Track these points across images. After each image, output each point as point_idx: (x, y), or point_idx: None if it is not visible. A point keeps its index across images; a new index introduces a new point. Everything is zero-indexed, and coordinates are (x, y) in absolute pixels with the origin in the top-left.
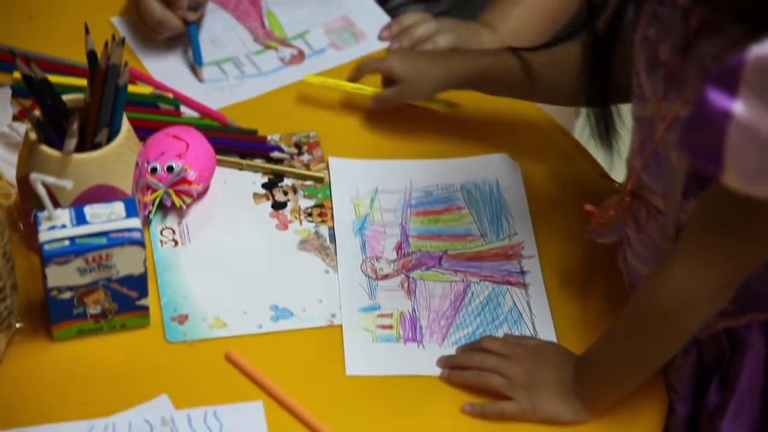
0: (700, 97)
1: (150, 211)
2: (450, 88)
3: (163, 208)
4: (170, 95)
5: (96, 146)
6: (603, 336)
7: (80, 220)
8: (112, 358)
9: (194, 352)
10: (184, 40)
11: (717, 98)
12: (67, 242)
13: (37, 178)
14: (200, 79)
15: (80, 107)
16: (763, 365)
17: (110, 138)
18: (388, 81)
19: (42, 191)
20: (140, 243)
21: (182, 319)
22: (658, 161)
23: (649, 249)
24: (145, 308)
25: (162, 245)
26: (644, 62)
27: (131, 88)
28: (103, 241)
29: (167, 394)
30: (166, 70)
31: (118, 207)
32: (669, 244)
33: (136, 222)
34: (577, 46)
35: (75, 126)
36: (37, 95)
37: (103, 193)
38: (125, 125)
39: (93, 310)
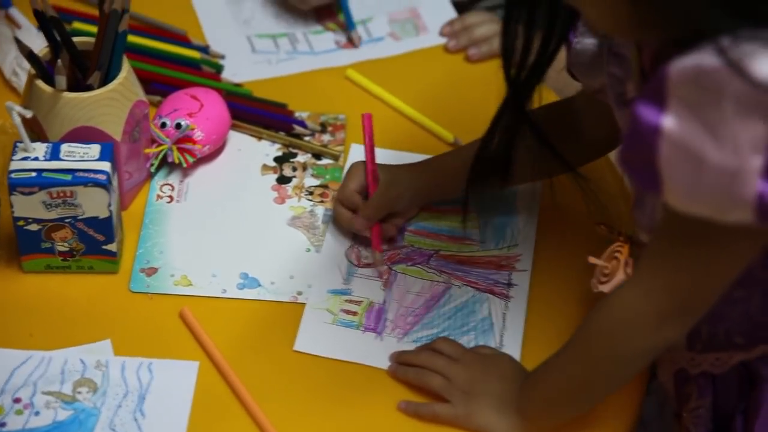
0: (632, 114)
1: (152, 164)
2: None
3: (172, 165)
4: (215, 60)
5: (88, 88)
6: (552, 355)
7: (54, 155)
8: (71, 296)
9: (152, 305)
10: (246, 6)
11: (647, 113)
12: (33, 174)
13: (11, 107)
14: (356, 45)
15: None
16: None
17: (108, 83)
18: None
19: (17, 120)
20: (104, 186)
21: (151, 271)
22: (640, 196)
23: None
24: (113, 253)
25: (157, 199)
26: (614, 100)
27: (180, 50)
28: (68, 178)
29: (111, 340)
30: (221, 34)
31: (95, 149)
32: None
33: (105, 165)
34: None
35: (60, 63)
36: (46, 32)
37: (90, 135)
38: (124, 72)
39: (61, 247)
